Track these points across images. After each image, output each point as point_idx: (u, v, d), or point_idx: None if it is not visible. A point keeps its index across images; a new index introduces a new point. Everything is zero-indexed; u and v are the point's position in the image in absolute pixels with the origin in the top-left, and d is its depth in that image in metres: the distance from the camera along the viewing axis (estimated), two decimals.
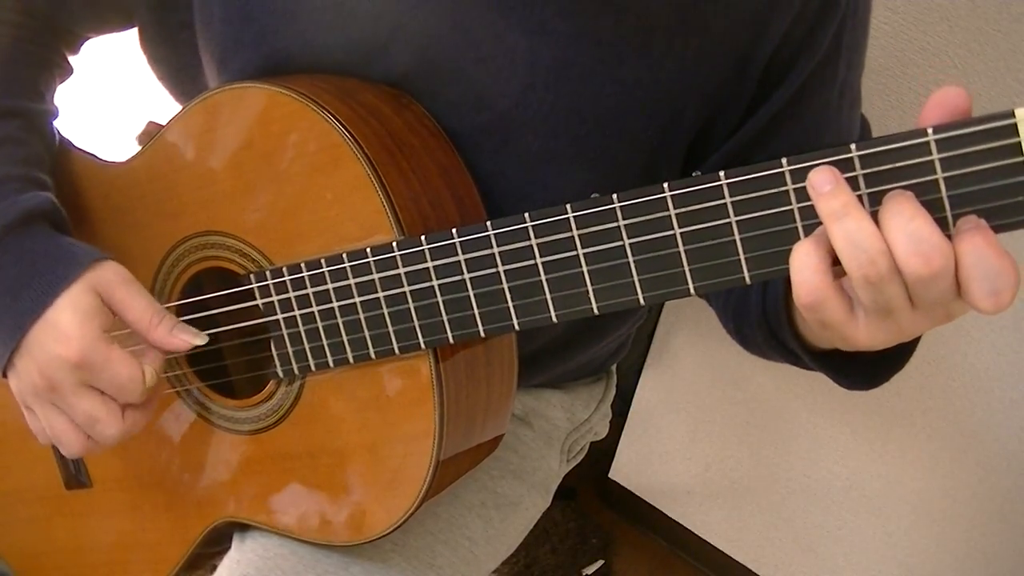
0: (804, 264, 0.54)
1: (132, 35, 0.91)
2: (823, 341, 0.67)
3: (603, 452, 1.92)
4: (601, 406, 1.18)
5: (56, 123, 0.90)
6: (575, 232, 0.61)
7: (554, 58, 0.74)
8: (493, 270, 0.65)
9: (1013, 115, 0.48)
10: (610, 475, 1.96)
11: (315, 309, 0.74)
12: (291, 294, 0.75)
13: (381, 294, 0.70)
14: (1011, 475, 1.37)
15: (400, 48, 0.77)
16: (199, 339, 0.77)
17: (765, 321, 0.76)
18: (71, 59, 0.95)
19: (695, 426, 1.75)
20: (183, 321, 0.83)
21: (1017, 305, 1.24)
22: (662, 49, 0.75)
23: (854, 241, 0.52)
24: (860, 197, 0.52)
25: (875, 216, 0.52)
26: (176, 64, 0.90)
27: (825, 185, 0.52)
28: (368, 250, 0.69)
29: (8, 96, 0.84)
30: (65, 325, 0.72)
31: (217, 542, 0.93)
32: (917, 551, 1.53)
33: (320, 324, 0.74)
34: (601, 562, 1.88)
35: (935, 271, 0.50)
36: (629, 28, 0.74)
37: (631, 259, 0.60)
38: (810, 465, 1.60)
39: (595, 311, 0.63)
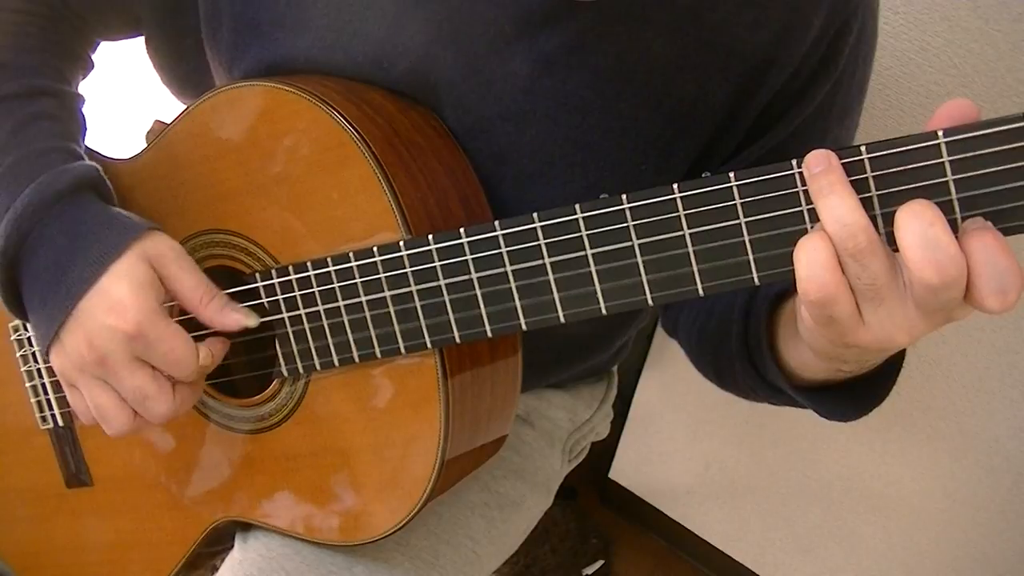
0: (812, 260, 0.53)
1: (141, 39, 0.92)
2: (811, 368, 0.67)
3: (603, 452, 1.92)
4: (603, 406, 1.18)
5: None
6: (584, 232, 0.61)
7: (553, 87, 0.75)
8: (501, 270, 0.65)
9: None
10: (610, 475, 1.96)
11: (321, 308, 0.74)
12: (296, 293, 0.75)
13: (387, 293, 0.70)
14: (1011, 475, 1.37)
15: (401, 67, 0.77)
16: (251, 320, 0.76)
17: (747, 354, 0.75)
18: (91, 56, 0.95)
19: (695, 426, 1.75)
20: (183, 321, 0.83)
21: (1017, 305, 1.24)
22: (660, 89, 0.75)
23: (836, 216, 0.52)
24: (870, 199, 0.53)
25: (890, 217, 0.52)
26: (181, 71, 0.91)
27: (817, 166, 0.53)
28: (375, 249, 0.69)
29: (40, 77, 0.83)
30: (120, 295, 0.70)
31: (218, 542, 0.93)
32: (917, 551, 1.53)
33: (326, 323, 0.74)
34: (601, 562, 1.88)
35: (947, 282, 0.50)
36: (630, 66, 0.74)
37: (640, 259, 0.60)
38: (810, 465, 1.60)
39: (603, 311, 0.63)
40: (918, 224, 0.50)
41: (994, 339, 1.29)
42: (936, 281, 0.50)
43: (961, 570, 1.49)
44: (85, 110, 0.88)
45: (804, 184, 0.54)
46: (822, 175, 0.53)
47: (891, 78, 1.19)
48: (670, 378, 1.74)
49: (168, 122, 0.82)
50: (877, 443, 1.50)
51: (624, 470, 1.94)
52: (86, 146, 0.88)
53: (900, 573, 1.57)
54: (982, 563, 1.46)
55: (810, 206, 0.54)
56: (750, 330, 0.74)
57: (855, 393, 0.68)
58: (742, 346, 0.76)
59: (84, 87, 0.94)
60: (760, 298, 0.73)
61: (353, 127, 0.70)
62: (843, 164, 0.52)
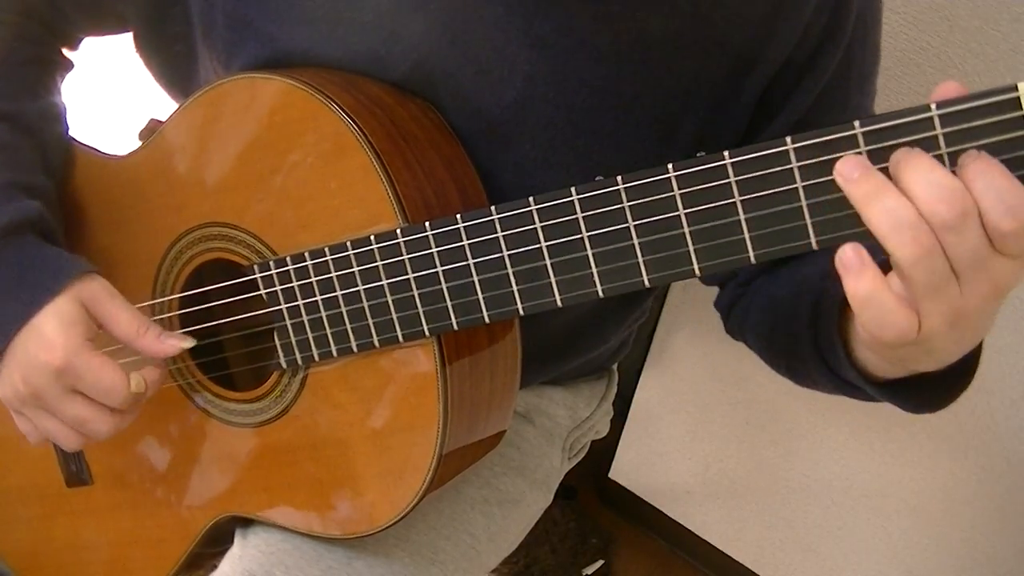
0: (881, 310, 0.53)
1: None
2: (886, 370, 0.66)
3: (603, 452, 1.92)
4: (603, 404, 1.18)
5: (64, 116, 0.90)
6: (580, 215, 0.61)
7: (552, 71, 0.75)
8: (498, 255, 0.65)
9: (1015, 88, 0.48)
10: (610, 475, 1.96)
11: (319, 298, 0.74)
12: (295, 283, 0.75)
13: (385, 281, 0.70)
14: (1011, 475, 1.37)
15: (398, 57, 0.77)
16: (187, 342, 0.79)
17: (821, 358, 0.74)
18: (70, 55, 0.95)
19: (695, 426, 1.75)
20: (182, 315, 0.84)
21: (1017, 305, 1.24)
22: (659, 66, 0.76)
23: (898, 217, 0.51)
24: None
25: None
26: (171, 76, 0.91)
27: (855, 172, 0.52)
28: (372, 237, 0.70)
29: None
30: (50, 332, 0.73)
31: (219, 540, 0.92)
32: (917, 551, 1.53)
33: (324, 313, 0.74)
34: (601, 562, 1.88)
35: (962, 211, 0.49)
36: (627, 45, 0.75)
37: (636, 240, 0.60)
38: (810, 465, 1.60)
39: (600, 294, 0.63)
40: (919, 173, 0.50)
41: (994, 339, 1.28)
42: (952, 215, 0.50)
43: (961, 570, 1.49)
44: (78, 107, 0.88)
45: (798, 160, 0.54)
46: (864, 180, 0.52)
47: (891, 78, 1.20)
48: (670, 378, 1.74)
49: (163, 119, 0.82)
50: (877, 443, 1.50)
51: (624, 470, 1.94)
52: (84, 143, 0.89)
53: (900, 573, 1.57)
54: (982, 563, 1.46)
55: (804, 183, 0.54)
56: (820, 335, 0.73)
57: (937, 384, 0.66)
58: (814, 350, 0.74)
59: (80, 84, 0.94)
60: (827, 303, 0.71)
61: (351, 118, 0.70)
62: (838, 139, 0.53)
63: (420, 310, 0.70)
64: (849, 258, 0.53)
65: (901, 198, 0.51)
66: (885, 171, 0.52)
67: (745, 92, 0.78)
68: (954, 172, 0.51)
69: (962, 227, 0.50)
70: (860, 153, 0.52)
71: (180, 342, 0.78)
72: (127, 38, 0.92)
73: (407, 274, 0.69)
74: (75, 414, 0.76)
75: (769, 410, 1.60)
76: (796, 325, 0.77)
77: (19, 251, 0.77)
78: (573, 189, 0.61)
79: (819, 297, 0.73)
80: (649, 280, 0.61)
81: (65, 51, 0.94)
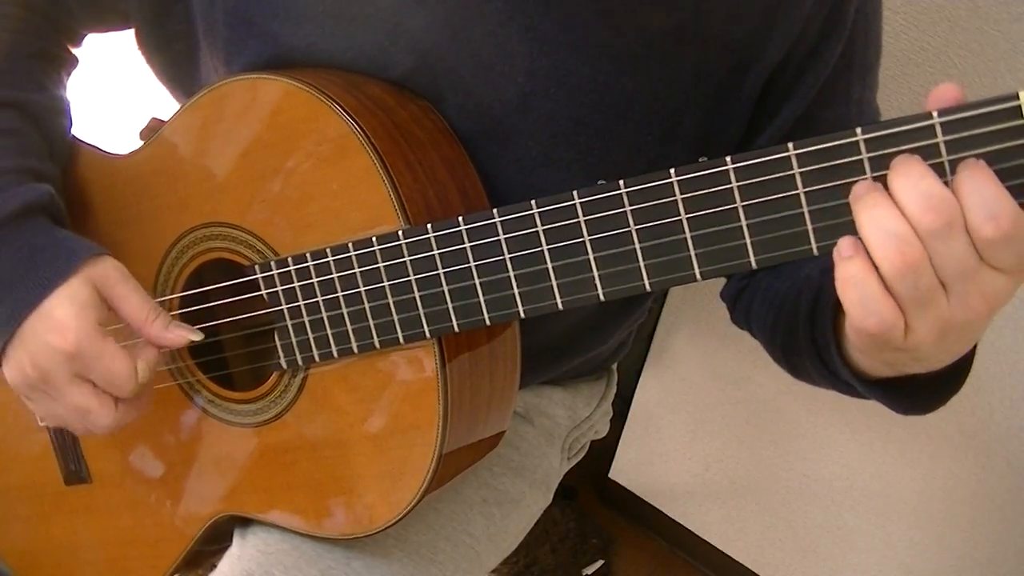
0: (864, 294, 0.53)
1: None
2: (877, 369, 0.66)
3: (603, 452, 1.92)
4: (602, 404, 1.18)
5: (69, 111, 0.90)
6: (581, 218, 0.61)
7: (554, 67, 0.75)
8: (499, 257, 0.65)
9: (1017, 97, 0.48)
10: (610, 475, 1.96)
11: (320, 299, 0.74)
12: (296, 284, 0.75)
13: (386, 283, 0.70)
14: (1011, 475, 1.37)
15: (400, 53, 0.77)
16: (195, 335, 0.78)
17: (816, 353, 0.75)
18: (74, 51, 0.95)
19: (695, 426, 1.75)
20: (183, 314, 0.83)
21: (1017, 304, 1.24)
22: (660, 61, 0.76)
23: (884, 228, 0.52)
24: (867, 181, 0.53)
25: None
26: (173, 74, 0.91)
27: (861, 188, 0.53)
28: (374, 239, 0.70)
29: (2, 87, 0.84)
30: (61, 315, 0.72)
31: (217, 539, 0.92)
32: (917, 551, 1.53)
33: (325, 314, 0.74)
34: (601, 562, 1.88)
35: (948, 219, 0.50)
36: (628, 40, 0.75)
37: (637, 245, 0.60)
38: (810, 465, 1.60)
39: (601, 297, 0.63)
40: (909, 181, 0.51)
41: (994, 340, 1.29)
42: (938, 225, 0.50)
43: (961, 570, 1.49)
44: (80, 105, 0.88)
45: (800, 167, 0.54)
46: (865, 193, 0.52)
47: (891, 78, 1.20)
48: (670, 378, 1.74)
49: (165, 119, 0.82)
50: (877, 443, 1.50)
51: (624, 470, 1.94)
52: (86, 142, 0.89)
53: (900, 573, 1.57)
54: (982, 563, 1.46)
55: (806, 189, 0.54)
56: (817, 334, 0.73)
57: (928, 384, 0.66)
58: (810, 345, 0.75)
59: (82, 82, 0.94)
60: (823, 304, 0.72)
61: (353, 118, 0.71)
62: (839, 145, 0.53)
63: (421, 312, 0.70)
64: (845, 246, 0.54)
65: (891, 208, 0.52)
66: (886, 178, 0.52)
67: (746, 87, 0.78)
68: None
69: (948, 235, 0.51)
70: (861, 159, 0.52)
71: (188, 334, 0.78)
72: (129, 36, 0.92)
73: (409, 276, 0.69)
74: (78, 403, 0.75)
75: (769, 410, 1.60)
76: (795, 319, 0.77)
77: (31, 233, 0.76)
78: (575, 192, 0.61)
79: (818, 293, 0.74)
80: (650, 284, 0.61)
81: (69, 47, 0.94)
